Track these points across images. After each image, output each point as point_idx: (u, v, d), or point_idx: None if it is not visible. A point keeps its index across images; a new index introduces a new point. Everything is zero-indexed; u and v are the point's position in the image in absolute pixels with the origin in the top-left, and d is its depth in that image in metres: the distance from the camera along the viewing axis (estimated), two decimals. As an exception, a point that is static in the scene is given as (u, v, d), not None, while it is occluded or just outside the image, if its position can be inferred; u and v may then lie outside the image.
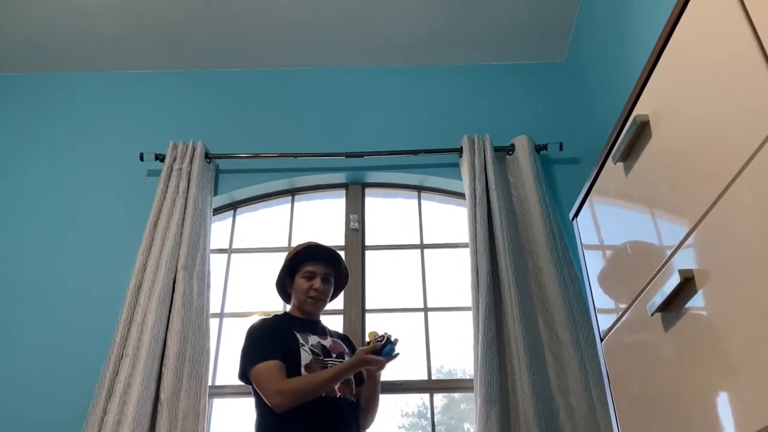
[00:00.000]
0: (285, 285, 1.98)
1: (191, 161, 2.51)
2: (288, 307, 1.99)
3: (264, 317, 1.87)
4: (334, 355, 1.83)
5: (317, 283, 1.89)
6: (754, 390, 0.79)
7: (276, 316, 1.89)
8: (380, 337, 1.78)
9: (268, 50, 2.86)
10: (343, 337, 2.00)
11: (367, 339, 1.82)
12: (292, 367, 1.71)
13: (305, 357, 1.74)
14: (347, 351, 1.91)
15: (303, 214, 2.69)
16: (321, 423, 1.67)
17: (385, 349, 1.74)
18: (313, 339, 1.82)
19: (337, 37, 2.82)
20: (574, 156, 2.66)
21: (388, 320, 2.40)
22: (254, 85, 2.89)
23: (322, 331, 1.90)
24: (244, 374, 1.75)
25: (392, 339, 1.77)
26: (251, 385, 1.73)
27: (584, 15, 2.64)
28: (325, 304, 1.95)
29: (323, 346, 1.82)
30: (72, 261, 2.43)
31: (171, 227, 2.32)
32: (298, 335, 1.79)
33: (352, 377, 1.84)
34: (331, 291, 1.97)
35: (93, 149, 2.71)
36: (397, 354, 1.76)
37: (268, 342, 1.74)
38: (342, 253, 2.45)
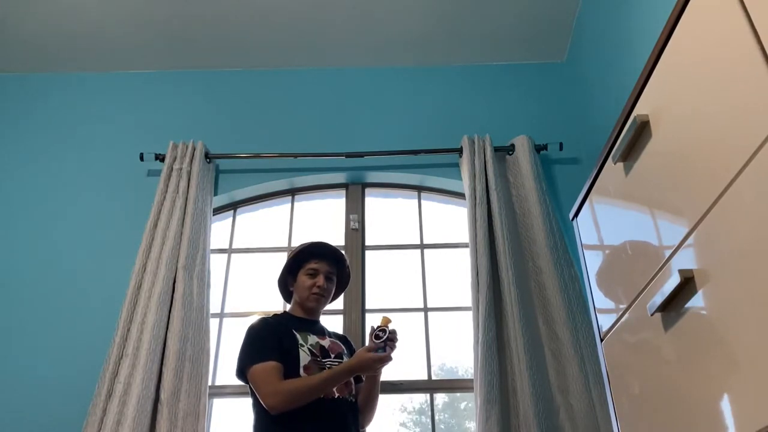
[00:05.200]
0: (287, 283, 1.98)
1: (191, 161, 2.51)
2: (288, 307, 1.99)
3: (264, 317, 1.87)
4: (332, 356, 1.82)
5: (320, 280, 1.88)
6: (754, 390, 0.79)
7: (276, 316, 1.88)
8: (381, 330, 1.76)
9: (269, 50, 2.86)
10: (343, 338, 2.00)
11: (379, 324, 1.80)
12: (291, 368, 1.71)
13: (304, 358, 1.74)
14: (346, 352, 1.90)
15: (303, 214, 2.69)
16: (319, 424, 1.66)
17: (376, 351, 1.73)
18: (312, 339, 1.82)
19: (338, 37, 2.82)
20: (574, 156, 2.66)
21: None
22: (254, 85, 2.89)
23: (321, 332, 1.89)
24: (241, 373, 1.75)
25: (389, 339, 1.76)
26: (248, 384, 1.73)
27: (584, 15, 2.64)
28: (326, 303, 1.95)
29: (322, 347, 1.82)
30: (72, 261, 2.43)
31: (171, 227, 2.32)
32: (297, 335, 1.79)
33: None
34: (333, 290, 1.97)
35: (93, 149, 2.71)
36: (389, 344, 1.75)
37: (267, 342, 1.74)
38: (342, 253, 2.46)
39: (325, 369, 1.75)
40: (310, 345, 1.79)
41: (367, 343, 1.79)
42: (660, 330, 1.07)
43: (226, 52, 2.86)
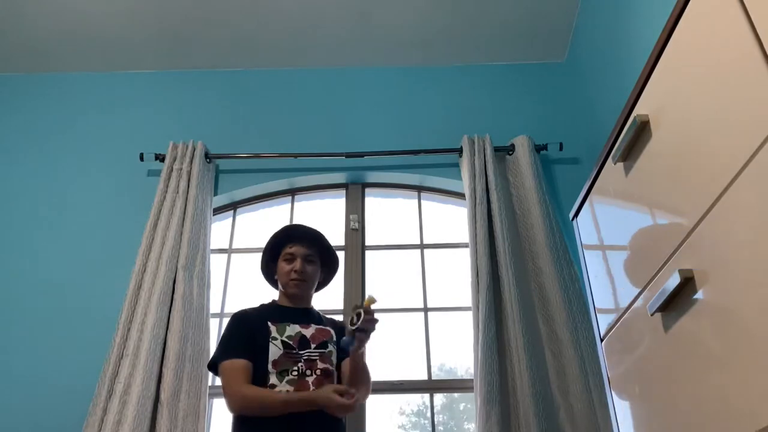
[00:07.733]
0: (271, 272, 1.97)
1: (191, 161, 2.51)
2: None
3: (249, 307, 1.87)
4: (313, 346, 1.77)
5: (298, 264, 1.84)
6: (753, 389, 0.79)
7: (261, 305, 1.88)
8: (358, 313, 1.65)
9: (269, 50, 2.86)
10: (339, 327, 1.91)
11: (364, 303, 1.69)
12: (260, 362, 1.70)
13: (274, 352, 1.71)
14: (333, 339, 1.84)
15: (303, 214, 2.69)
16: (296, 419, 1.61)
17: (342, 339, 1.68)
18: (292, 329, 1.77)
19: (337, 37, 2.82)
20: (574, 156, 2.66)
21: (389, 320, 2.39)
22: (254, 85, 2.89)
23: (307, 320, 1.84)
24: (213, 366, 1.76)
25: (360, 330, 1.65)
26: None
27: (584, 15, 2.64)
28: (311, 287, 1.90)
29: (302, 337, 1.77)
30: (72, 261, 2.43)
31: (171, 227, 2.32)
32: (272, 327, 1.76)
33: (331, 362, 1.79)
34: (318, 272, 1.92)
35: (93, 149, 2.71)
36: (358, 335, 1.66)
37: (241, 338, 1.74)
38: (342, 253, 2.45)
39: (299, 362, 1.72)
40: (287, 337, 1.75)
41: (348, 323, 1.69)
42: (660, 330, 1.07)
43: (227, 52, 2.86)
